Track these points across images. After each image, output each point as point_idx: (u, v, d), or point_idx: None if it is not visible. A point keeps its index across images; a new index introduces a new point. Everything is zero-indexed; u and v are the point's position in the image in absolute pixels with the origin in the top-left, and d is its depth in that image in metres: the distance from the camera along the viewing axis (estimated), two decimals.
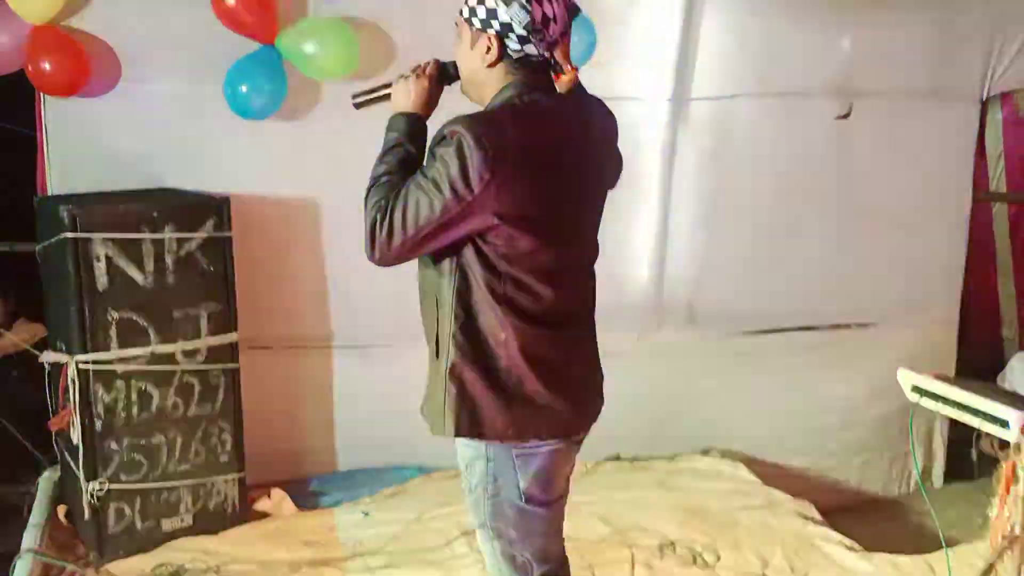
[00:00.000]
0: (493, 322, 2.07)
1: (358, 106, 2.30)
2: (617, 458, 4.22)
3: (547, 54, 2.07)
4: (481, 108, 2.13)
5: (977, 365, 4.73)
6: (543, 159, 2.04)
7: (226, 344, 3.40)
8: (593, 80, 3.86)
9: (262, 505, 3.66)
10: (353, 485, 3.85)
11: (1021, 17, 4.41)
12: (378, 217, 2.00)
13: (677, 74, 4.08)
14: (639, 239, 4.25)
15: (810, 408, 4.53)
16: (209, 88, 3.49)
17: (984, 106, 4.67)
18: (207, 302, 3.34)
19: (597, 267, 4.15)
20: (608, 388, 4.39)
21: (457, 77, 2.19)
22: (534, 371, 2.11)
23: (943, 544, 3.19)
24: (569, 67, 2.12)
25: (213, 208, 3.34)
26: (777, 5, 4.10)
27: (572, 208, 2.14)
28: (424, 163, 2.05)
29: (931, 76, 4.41)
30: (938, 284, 4.68)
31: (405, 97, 2.15)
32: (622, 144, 4.07)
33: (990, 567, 2.95)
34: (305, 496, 3.77)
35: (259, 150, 3.66)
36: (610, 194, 4.37)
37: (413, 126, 2.14)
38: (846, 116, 4.33)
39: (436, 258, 2.09)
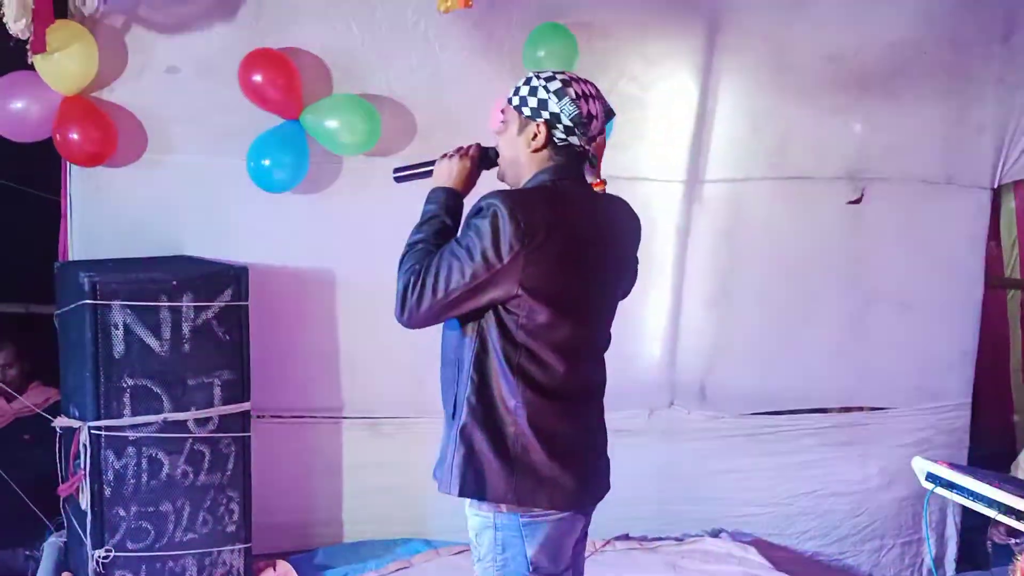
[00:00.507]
0: (505, 390, 2.15)
1: (399, 180, 2.43)
2: (626, 537, 4.17)
3: (587, 147, 2.25)
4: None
5: (988, 451, 4.70)
6: (569, 240, 2.15)
7: (238, 413, 3.40)
8: (611, 161, 3.99)
9: None
10: (359, 558, 3.81)
11: None
12: (411, 280, 2.11)
13: (691, 156, 4.16)
14: (652, 317, 4.27)
15: (821, 492, 4.48)
16: (231, 160, 3.58)
17: (997, 194, 4.72)
18: (221, 371, 3.35)
19: (612, 343, 4.18)
20: (618, 466, 4.36)
21: (495, 162, 2.33)
22: (540, 442, 2.18)
23: None
24: (598, 179, 2.35)
25: (231, 277, 3.37)
26: (791, 90, 4.18)
27: (591, 291, 2.26)
28: (459, 233, 2.17)
29: (943, 163, 4.46)
30: (950, 369, 4.66)
31: (447, 174, 2.30)
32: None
33: None
34: (311, 568, 3.73)
35: (278, 222, 3.72)
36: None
37: (451, 200, 2.28)
38: (858, 201, 4.38)
39: (460, 323, 2.20)
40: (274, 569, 3.65)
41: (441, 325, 2.24)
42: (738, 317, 4.33)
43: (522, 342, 2.14)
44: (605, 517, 4.17)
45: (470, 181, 2.33)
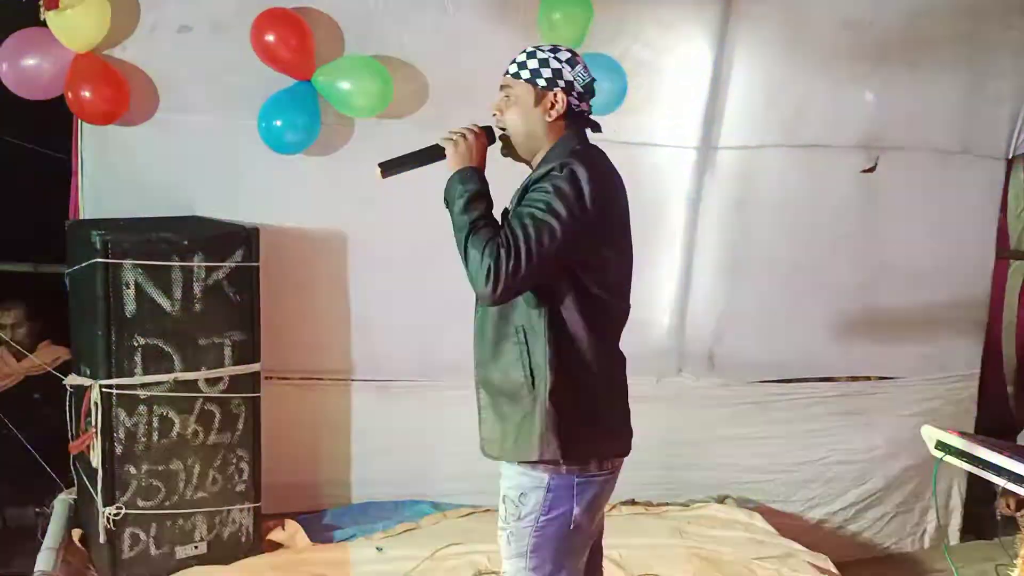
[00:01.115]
0: (586, 349, 2.25)
1: (388, 173, 2.37)
2: (633, 502, 4.19)
3: (590, 113, 2.39)
4: (527, 162, 2.37)
5: (998, 421, 4.71)
6: (621, 202, 2.34)
7: (248, 374, 3.41)
8: (623, 126, 3.98)
9: (276, 536, 3.66)
10: (367, 519, 3.83)
11: None
12: (500, 253, 2.09)
13: (705, 122, 4.13)
14: (662, 284, 4.27)
15: (827, 460, 4.51)
16: (243, 121, 3.55)
17: (1009, 165, 4.69)
18: (232, 331, 3.36)
19: None
20: None
21: (495, 139, 2.37)
22: (614, 398, 2.35)
23: None
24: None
25: (242, 238, 3.37)
26: (807, 58, 4.14)
27: (630, 249, 2.40)
28: (527, 199, 2.18)
29: (958, 134, 4.44)
30: (959, 340, 4.66)
31: (468, 153, 2.30)
32: (650, 189, 4.16)
33: None
34: (319, 529, 3.75)
35: (290, 183, 3.70)
36: (635, 239, 4.42)
37: (483, 178, 2.30)
38: (872, 170, 4.35)
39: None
40: (283, 528, 3.68)
41: (482, 312, 2.33)
42: (748, 285, 4.32)
43: (597, 297, 2.25)
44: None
45: (485, 159, 2.35)
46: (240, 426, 3.42)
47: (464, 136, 2.31)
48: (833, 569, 3.75)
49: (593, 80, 2.38)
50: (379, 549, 3.59)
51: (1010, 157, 4.59)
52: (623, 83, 3.85)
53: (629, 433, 2.42)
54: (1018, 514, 4.10)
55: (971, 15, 4.27)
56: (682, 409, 4.33)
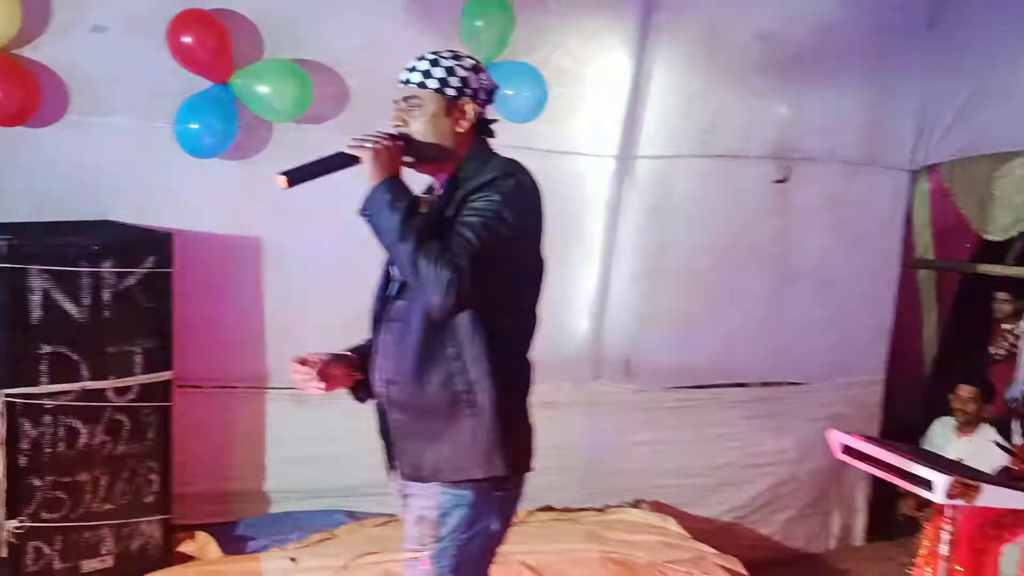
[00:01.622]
0: (514, 360, 2.23)
1: (293, 182, 2.19)
2: (549, 508, 4.23)
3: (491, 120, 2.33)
4: (435, 177, 2.31)
5: (902, 426, 4.88)
6: (540, 202, 2.26)
7: (159, 382, 3.33)
8: (543, 135, 4.01)
9: (186, 548, 3.57)
10: (281, 529, 3.78)
11: (951, 97, 4.61)
12: (460, 263, 2.04)
13: (625, 132, 4.19)
14: (580, 291, 4.31)
15: (738, 463, 4.61)
16: (159, 124, 3.48)
17: (913, 177, 4.86)
18: (142, 339, 3.28)
19: (541, 315, 4.17)
20: (542, 437, 4.42)
21: (411, 144, 2.25)
22: (527, 407, 2.31)
23: None
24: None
25: (155, 244, 3.30)
26: (722, 70, 4.23)
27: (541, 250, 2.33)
28: (474, 208, 2.12)
29: (866, 145, 4.59)
30: (866, 346, 4.82)
31: (388, 163, 2.18)
32: (569, 196, 4.20)
33: None
34: (232, 540, 3.68)
35: (205, 187, 3.63)
36: (554, 247, 4.44)
37: (407, 188, 2.20)
38: (784, 180, 4.46)
39: None
40: (193, 540, 3.61)
41: (410, 316, 2.20)
42: (664, 292, 4.40)
43: (524, 309, 2.25)
44: (528, 488, 4.26)
45: (400, 167, 2.23)
46: (150, 436, 3.34)
47: (383, 145, 2.19)
48: (743, 571, 3.84)
49: (496, 88, 2.33)
50: (293, 559, 3.54)
51: (914, 169, 4.76)
52: (543, 91, 3.88)
53: (533, 444, 2.36)
54: (920, 514, 4.24)
55: (878, 31, 4.41)
56: (598, 415, 4.38)
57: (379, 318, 2.31)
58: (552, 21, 3.96)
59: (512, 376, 2.22)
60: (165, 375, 3.34)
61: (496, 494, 2.23)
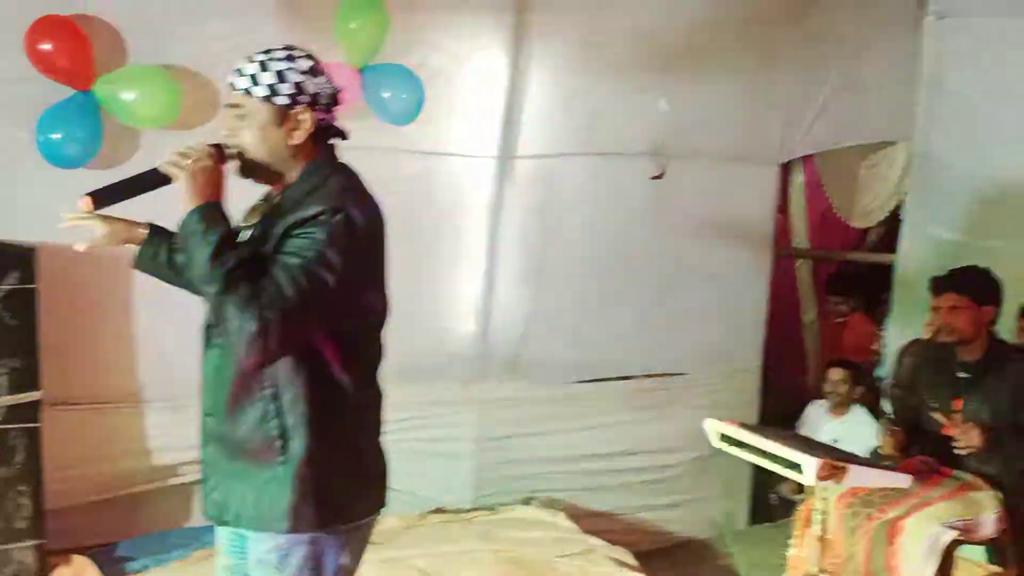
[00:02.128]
0: (347, 397, 2.02)
1: (100, 204, 2.05)
2: (441, 511, 4.24)
3: (335, 122, 2.10)
4: (274, 186, 2.09)
5: (783, 412, 5.06)
6: (382, 229, 2.07)
7: (27, 403, 3.22)
8: (422, 137, 4.01)
9: (62, 573, 3.45)
10: (163, 548, 3.68)
11: (814, 92, 4.78)
12: (268, 316, 1.82)
13: (504, 132, 4.21)
14: (465, 292, 4.33)
15: (627, 454, 4.70)
16: (20, 133, 3.35)
17: (787, 169, 5.03)
18: (8, 358, 3.17)
19: (424, 316, 4.20)
20: (433, 438, 4.44)
21: (231, 157, 2.04)
22: (374, 440, 2.13)
23: None
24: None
25: (18, 259, 3.19)
26: (598, 68, 4.30)
27: (385, 271, 2.15)
28: (295, 245, 1.91)
29: (737, 140, 4.72)
30: (742, 335, 4.96)
31: (205, 185, 1.95)
32: (450, 198, 4.21)
33: None
34: (111, 562, 3.57)
35: (71, 199, 3.47)
36: (437, 247, 4.45)
37: (225, 215, 1.99)
38: (660, 176, 4.56)
39: None
40: (69, 565, 3.48)
41: (215, 359, 2.03)
42: (551, 290, 4.45)
43: (359, 342, 2.05)
44: (419, 491, 4.27)
45: (223, 184, 2.01)
46: (19, 458, 3.23)
47: (202, 165, 1.96)
48: (632, 561, 3.93)
49: (338, 90, 2.09)
50: None
51: (783, 163, 4.93)
52: (420, 93, 3.88)
53: (386, 478, 2.20)
54: (798, 497, 4.40)
55: (748, 27, 4.53)
56: (488, 413, 4.41)
57: (204, 342, 2.10)
58: (427, 22, 3.96)
59: (341, 417, 2.01)
60: (33, 395, 3.24)
61: (344, 530, 2.05)
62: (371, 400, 2.13)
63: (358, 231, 1.94)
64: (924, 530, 3.14)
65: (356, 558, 2.13)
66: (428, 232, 4.19)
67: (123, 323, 3.69)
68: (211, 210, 1.94)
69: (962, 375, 3.52)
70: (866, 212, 5.61)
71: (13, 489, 3.22)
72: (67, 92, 3.38)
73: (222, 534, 2.15)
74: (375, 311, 2.09)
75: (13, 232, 3.36)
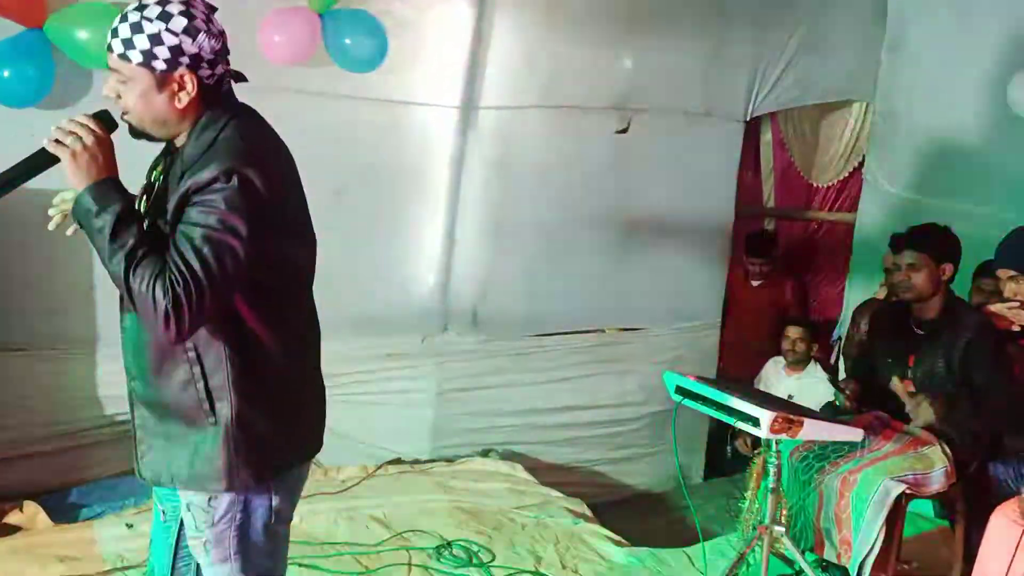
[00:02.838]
0: (273, 353, 1.99)
1: None
2: (399, 461, 4.24)
3: (228, 68, 1.99)
4: (169, 143, 2.01)
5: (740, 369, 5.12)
6: (289, 178, 2.03)
7: None
8: (383, 85, 3.94)
9: (13, 518, 3.42)
10: (117, 496, 3.64)
11: (779, 49, 4.78)
12: (178, 291, 1.78)
13: (467, 82, 4.16)
14: (426, 244, 4.30)
15: (585, 408, 4.73)
16: None
17: (756, 127, 5.02)
18: None
19: (385, 268, 4.14)
20: (392, 391, 4.43)
21: (116, 126, 1.96)
22: (306, 391, 2.12)
23: (700, 537, 3.42)
24: None
25: None
26: (563, 21, 4.26)
27: (309, 219, 2.11)
28: (194, 216, 1.84)
29: (702, 97, 4.71)
30: (703, 292, 4.99)
31: (93, 162, 1.87)
32: (413, 148, 4.16)
33: (741, 556, 3.20)
34: (64, 508, 3.53)
35: (21, 139, 3.36)
36: (398, 198, 4.39)
37: (121, 188, 1.91)
38: (624, 131, 4.54)
39: None
40: (21, 511, 3.44)
41: (132, 322, 1.97)
42: (511, 244, 4.43)
43: (282, 296, 2.01)
44: (377, 442, 4.27)
45: (114, 157, 1.92)
46: None
47: (81, 141, 1.86)
48: (588, 512, 3.97)
49: (223, 42, 1.94)
50: (129, 526, 3.42)
51: (748, 120, 4.93)
52: (383, 41, 3.81)
53: (323, 422, 2.20)
54: (754, 452, 4.46)
55: None
56: (448, 366, 4.40)
57: (121, 307, 2.04)
58: None
59: (266, 373, 1.98)
60: None
61: (277, 479, 2.06)
62: (300, 353, 2.09)
63: (258, 190, 1.86)
64: (875, 483, 3.18)
65: (289, 501, 2.13)
66: (389, 182, 4.14)
67: (83, 268, 3.60)
68: (102, 187, 1.86)
69: (918, 332, 3.56)
70: (825, 170, 5.64)
71: None
72: (17, 29, 3.28)
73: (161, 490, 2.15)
74: (294, 263, 2.05)
75: None
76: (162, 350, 1.96)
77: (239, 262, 1.84)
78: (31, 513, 3.44)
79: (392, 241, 4.22)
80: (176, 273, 1.79)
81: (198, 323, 1.84)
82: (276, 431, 2.02)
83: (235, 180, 1.84)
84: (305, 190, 2.10)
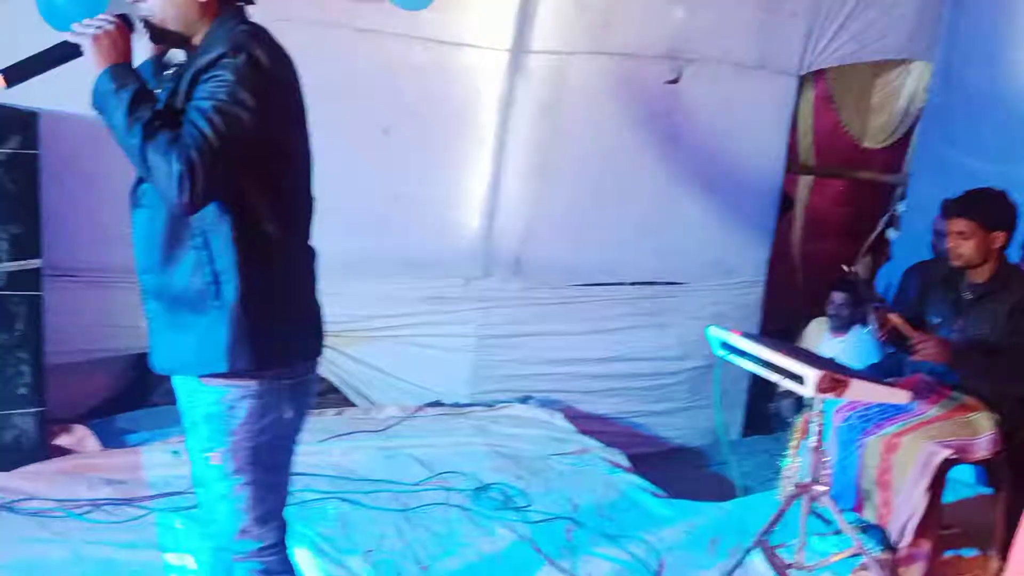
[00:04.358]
0: (275, 243, 2.05)
1: (12, 81, 2.04)
2: (439, 404, 4.26)
3: None
4: (183, 47, 2.08)
5: (779, 325, 5.07)
6: (294, 75, 2.08)
7: (28, 271, 3.18)
8: (434, 24, 3.89)
9: (63, 441, 3.48)
10: (164, 423, 3.68)
11: (838, 3, 4.66)
12: (192, 155, 1.86)
13: (517, 25, 4.10)
14: (471, 187, 4.27)
15: (625, 360, 4.71)
16: None
17: (800, 83, 4.92)
18: (8, 224, 3.12)
19: (429, 211, 4.13)
20: (434, 333, 4.43)
21: (134, 27, 2.05)
22: (306, 291, 2.17)
23: (738, 492, 3.42)
24: None
25: (19, 123, 3.11)
26: None
27: (307, 125, 2.15)
28: (204, 91, 1.92)
29: (757, 48, 4.62)
30: (747, 248, 4.94)
31: (112, 48, 1.98)
32: (460, 91, 4.11)
33: (780, 513, 3.18)
34: (112, 433, 3.60)
35: (73, 65, 3.38)
36: (445, 141, 4.37)
37: (138, 73, 2.01)
38: (675, 81, 4.47)
39: None
40: (70, 434, 3.50)
41: (156, 200, 2.01)
42: (555, 192, 4.39)
43: (285, 188, 2.08)
44: (417, 383, 4.29)
45: (131, 52, 2.03)
46: (19, 326, 3.20)
47: (103, 30, 1.98)
48: (626, 463, 3.96)
49: None
50: (175, 453, 3.47)
51: (802, 74, 4.82)
52: None
53: (322, 332, 2.24)
54: (795, 416, 4.45)
55: None
56: (489, 311, 4.39)
57: (132, 204, 2.14)
58: None
59: (270, 262, 2.05)
60: (34, 263, 3.19)
61: (285, 382, 2.10)
62: (300, 250, 2.17)
63: (265, 70, 1.95)
64: (919, 447, 3.15)
65: (300, 413, 2.18)
66: (437, 123, 4.11)
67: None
68: (119, 70, 1.96)
69: (967, 296, 3.49)
70: (879, 132, 5.52)
71: (13, 356, 3.20)
72: None
73: (179, 394, 2.19)
74: (299, 155, 2.11)
75: (14, 95, 3.25)
76: (173, 237, 2.04)
77: (247, 133, 1.92)
78: (80, 436, 3.50)
79: (438, 182, 4.20)
80: (189, 139, 1.88)
81: (210, 191, 1.90)
82: (278, 316, 2.08)
83: (243, 56, 1.93)
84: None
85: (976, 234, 3.37)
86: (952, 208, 3.44)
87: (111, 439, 3.56)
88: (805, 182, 6.05)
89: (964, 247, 3.38)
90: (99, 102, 1.96)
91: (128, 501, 3.16)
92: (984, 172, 4.35)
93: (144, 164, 1.90)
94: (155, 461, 3.43)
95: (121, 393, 3.83)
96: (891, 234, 5.58)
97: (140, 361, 3.79)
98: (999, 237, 3.39)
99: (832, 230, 6.12)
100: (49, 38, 2.08)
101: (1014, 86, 4.51)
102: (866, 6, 4.72)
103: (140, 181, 2.11)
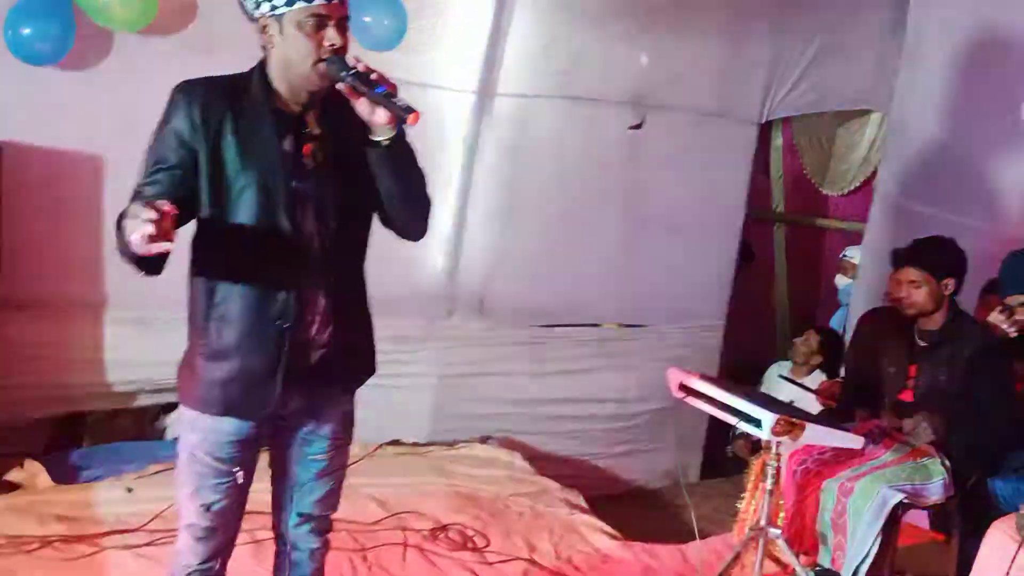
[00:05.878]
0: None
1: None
2: (398, 443, 4.24)
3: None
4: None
5: (747, 368, 5.13)
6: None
7: None
8: (403, 65, 3.92)
9: (13, 476, 3.42)
10: (118, 460, 3.64)
11: (799, 51, 4.77)
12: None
13: (485, 68, 4.15)
14: (436, 228, 4.24)
15: (585, 401, 4.73)
16: None
17: (767, 130, 5.01)
18: None
19: (392, 251, 4.14)
20: (395, 373, 4.43)
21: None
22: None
23: (696, 535, 3.42)
24: None
25: None
26: (583, 13, 4.25)
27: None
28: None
29: (718, 96, 4.70)
30: (709, 292, 4.99)
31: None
32: (427, 131, 4.13)
33: (736, 556, 3.20)
34: (64, 469, 3.53)
35: (39, 97, 3.39)
36: None
37: None
38: (639, 127, 4.54)
39: None
40: (21, 468, 3.44)
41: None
42: (519, 233, 4.42)
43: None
44: (378, 422, 4.27)
45: None
46: None
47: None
48: (584, 504, 3.96)
49: None
50: (129, 490, 3.43)
51: (763, 122, 4.92)
52: (403, 21, 3.80)
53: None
54: (752, 457, 4.47)
55: None
56: (451, 351, 4.40)
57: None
58: None
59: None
60: None
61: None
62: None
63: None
64: (873, 492, 3.19)
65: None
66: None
67: (91, 229, 3.58)
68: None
69: (920, 343, 3.55)
70: (838, 180, 5.64)
71: None
72: None
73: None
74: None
75: None
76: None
77: None
78: (32, 471, 3.43)
79: None
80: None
81: None
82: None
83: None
84: None
85: (927, 282, 3.44)
86: (902, 257, 3.50)
87: (63, 475, 3.50)
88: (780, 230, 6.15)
89: (916, 296, 3.45)
90: (408, 158, 2.35)
91: (79, 538, 3.11)
92: (938, 220, 4.44)
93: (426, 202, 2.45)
94: (108, 498, 3.36)
95: (74, 429, 3.77)
96: (838, 281, 5.67)
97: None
98: (949, 284, 3.46)
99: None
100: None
101: (964, 136, 4.62)
102: (825, 57, 4.84)
103: None
